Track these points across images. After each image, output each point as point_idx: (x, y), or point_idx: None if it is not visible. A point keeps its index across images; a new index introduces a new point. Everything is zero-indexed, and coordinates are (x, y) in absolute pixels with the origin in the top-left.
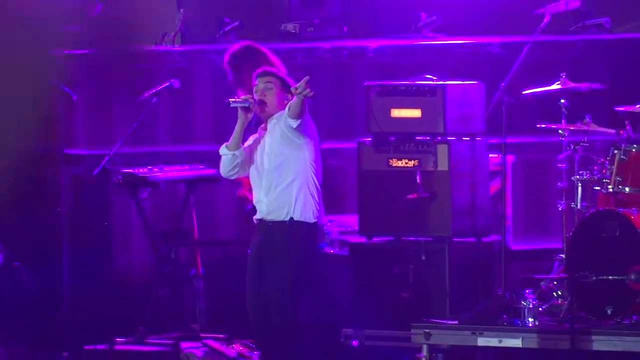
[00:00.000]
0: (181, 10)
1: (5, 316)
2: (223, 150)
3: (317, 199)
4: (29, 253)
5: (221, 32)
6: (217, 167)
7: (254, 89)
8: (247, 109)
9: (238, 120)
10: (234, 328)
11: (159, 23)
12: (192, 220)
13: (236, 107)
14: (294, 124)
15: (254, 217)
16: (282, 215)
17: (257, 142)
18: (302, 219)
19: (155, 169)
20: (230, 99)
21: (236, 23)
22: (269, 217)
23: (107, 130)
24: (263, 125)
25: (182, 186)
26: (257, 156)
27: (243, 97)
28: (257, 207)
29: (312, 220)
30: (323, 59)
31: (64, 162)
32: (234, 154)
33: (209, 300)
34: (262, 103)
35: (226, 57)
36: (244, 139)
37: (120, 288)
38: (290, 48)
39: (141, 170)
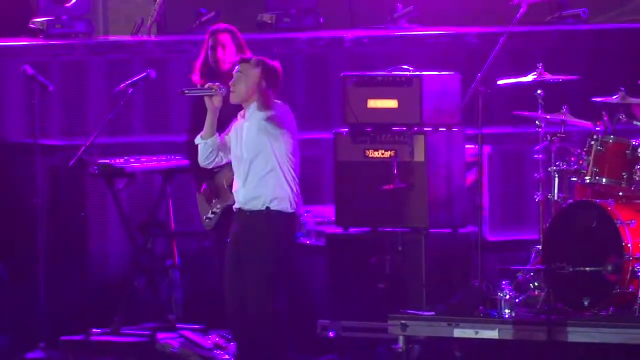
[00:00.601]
0: (158, 0)
1: None
2: (198, 139)
3: (294, 189)
4: (4, 244)
5: (198, 22)
6: None
7: (234, 71)
8: (210, 97)
9: (207, 110)
10: (210, 319)
11: (134, 13)
12: (169, 211)
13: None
14: (264, 115)
15: (233, 206)
16: (259, 205)
17: (236, 128)
18: (279, 209)
19: (132, 160)
20: (185, 89)
21: (213, 13)
22: (247, 207)
23: (82, 121)
24: (242, 112)
25: (158, 177)
26: (237, 144)
27: (207, 84)
28: (235, 196)
29: (289, 210)
30: (299, 49)
31: (39, 153)
32: (206, 142)
33: (185, 291)
34: (226, 90)
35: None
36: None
37: (96, 279)
38: (266, 38)
39: (117, 160)
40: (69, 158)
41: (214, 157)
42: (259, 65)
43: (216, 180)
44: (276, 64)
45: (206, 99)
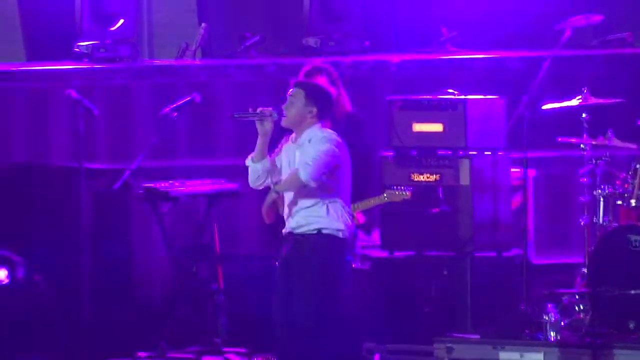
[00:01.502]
0: (202, 24)
1: (26, 330)
2: (248, 161)
3: (345, 214)
4: (51, 267)
5: (242, 46)
6: (238, 182)
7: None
8: (261, 121)
9: (259, 134)
10: (255, 342)
11: (180, 37)
12: (214, 235)
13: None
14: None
15: (283, 230)
16: (310, 229)
17: (287, 150)
18: (330, 233)
19: (177, 183)
20: (235, 113)
21: (257, 37)
22: (297, 231)
23: (127, 144)
24: (293, 135)
25: (203, 200)
26: (286, 167)
27: (259, 109)
28: (286, 221)
29: (340, 235)
30: (344, 73)
31: (84, 177)
32: (256, 165)
33: (230, 314)
34: (279, 113)
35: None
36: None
37: (141, 302)
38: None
39: (162, 184)
40: (114, 182)
41: (263, 179)
42: (304, 88)
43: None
44: (331, 89)
45: (257, 123)
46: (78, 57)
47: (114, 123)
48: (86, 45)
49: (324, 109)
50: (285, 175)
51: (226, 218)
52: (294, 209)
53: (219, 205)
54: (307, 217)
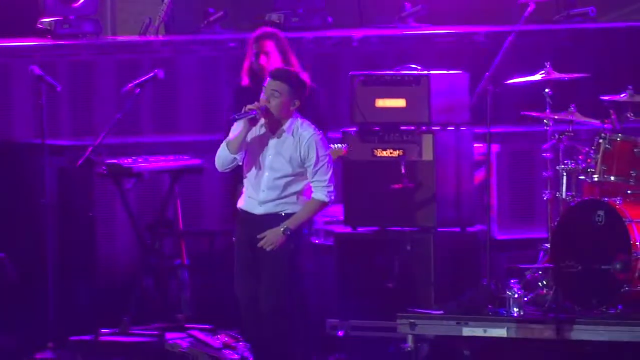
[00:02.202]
0: (165, 0)
1: None
2: (223, 148)
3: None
4: (13, 244)
5: (205, 22)
6: (202, 158)
7: (264, 87)
8: (252, 119)
9: (242, 127)
10: (219, 319)
11: (143, 13)
12: (177, 211)
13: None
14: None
15: (240, 206)
16: (282, 213)
17: (254, 133)
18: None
19: (140, 160)
20: (235, 114)
21: (221, 13)
22: (269, 213)
23: (90, 121)
24: (264, 121)
25: (166, 176)
26: (256, 153)
27: (249, 106)
28: (247, 202)
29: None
30: (307, 48)
31: (47, 153)
32: (234, 157)
33: (194, 291)
34: (266, 110)
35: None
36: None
37: (104, 279)
38: None
39: (126, 160)
40: (77, 158)
41: (233, 165)
42: (286, 82)
43: None
44: (305, 77)
45: (249, 120)
46: (41, 34)
47: (77, 99)
48: (49, 21)
49: (303, 99)
50: (257, 162)
51: (190, 194)
52: (269, 194)
53: (182, 181)
54: (282, 203)
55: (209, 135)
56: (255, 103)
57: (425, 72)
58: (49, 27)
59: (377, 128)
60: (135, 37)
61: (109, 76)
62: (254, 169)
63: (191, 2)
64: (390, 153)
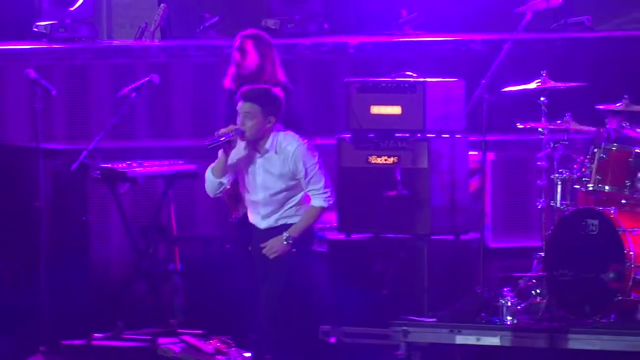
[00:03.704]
0: (161, 5)
1: None
2: (209, 174)
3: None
4: (6, 247)
5: (201, 27)
6: (196, 163)
7: (238, 107)
8: (228, 143)
9: (221, 152)
10: (211, 324)
11: (139, 18)
12: (171, 216)
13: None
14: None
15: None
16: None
17: (240, 153)
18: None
19: (134, 164)
20: (208, 142)
21: (216, 18)
22: (264, 226)
23: (85, 125)
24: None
25: (160, 181)
26: (248, 174)
27: (222, 130)
28: (252, 217)
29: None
30: (303, 55)
31: (42, 157)
32: (220, 182)
33: (187, 296)
34: (242, 133)
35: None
36: None
37: (98, 283)
38: None
39: (120, 165)
40: (72, 162)
41: (222, 189)
42: (257, 102)
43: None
44: (277, 92)
45: (224, 145)
46: (37, 37)
47: (73, 103)
48: (45, 25)
49: (279, 114)
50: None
51: (184, 199)
52: (268, 209)
53: (176, 186)
54: (283, 217)
55: (204, 140)
56: (230, 126)
57: (421, 79)
58: (44, 31)
59: (372, 135)
60: (130, 42)
61: (104, 80)
62: (248, 190)
63: (187, 8)
64: (385, 160)
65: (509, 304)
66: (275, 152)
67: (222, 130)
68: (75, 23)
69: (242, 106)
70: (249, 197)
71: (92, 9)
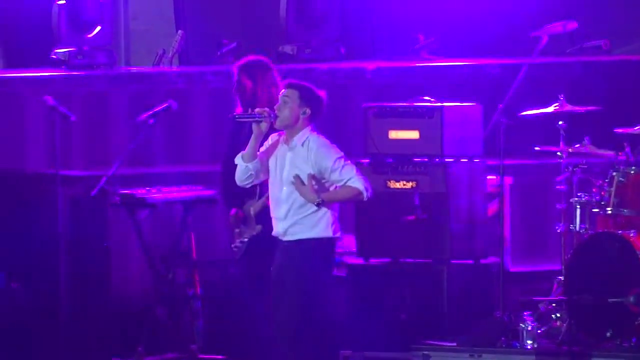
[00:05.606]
0: (179, 31)
1: (4, 338)
2: (238, 159)
3: (336, 215)
4: (27, 274)
5: (219, 53)
6: (214, 189)
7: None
8: (258, 122)
9: (252, 133)
10: (231, 349)
11: (157, 44)
12: (190, 241)
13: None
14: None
15: (273, 233)
16: (299, 235)
17: (276, 150)
18: (320, 236)
19: (153, 190)
20: (236, 114)
21: (234, 44)
22: (285, 238)
23: (104, 151)
24: (284, 136)
25: (179, 207)
26: (276, 170)
27: (257, 110)
28: (274, 224)
29: (330, 235)
30: (320, 80)
31: (61, 184)
32: (247, 166)
33: (207, 321)
34: (274, 117)
35: (240, 65)
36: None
37: (118, 309)
38: (287, 69)
39: (139, 191)
40: (90, 188)
41: (253, 178)
42: (298, 90)
43: (244, 208)
44: (321, 93)
45: (254, 124)
46: (55, 64)
47: (91, 130)
48: (63, 52)
49: (316, 111)
50: (277, 178)
51: (203, 224)
52: (288, 206)
53: (196, 211)
54: (300, 227)
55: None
56: (265, 109)
57: (439, 104)
58: (63, 58)
59: (390, 160)
60: (148, 68)
61: (122, 107)
62: (274, 186)
63: (205, 34)
64: (404, 185)
65: (529, 328)
66: (302, 146)
67: (257, 110)
68: (94, 50)
69: (283, 92)
70: (273, 197)
71: (110, 35)
